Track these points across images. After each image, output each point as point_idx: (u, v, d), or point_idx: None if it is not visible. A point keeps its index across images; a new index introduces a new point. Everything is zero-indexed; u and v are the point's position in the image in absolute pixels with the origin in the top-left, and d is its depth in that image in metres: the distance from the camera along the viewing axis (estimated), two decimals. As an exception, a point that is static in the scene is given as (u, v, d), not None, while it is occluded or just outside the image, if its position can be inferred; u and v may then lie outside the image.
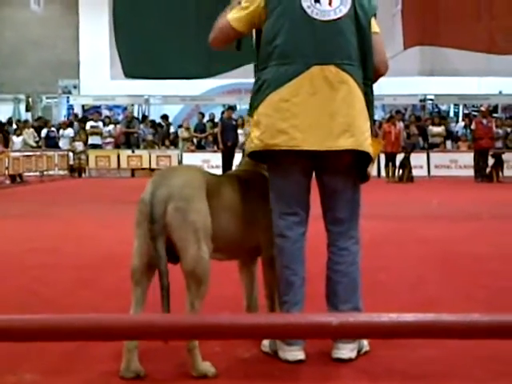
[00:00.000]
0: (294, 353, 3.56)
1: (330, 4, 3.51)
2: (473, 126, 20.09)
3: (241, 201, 3.67)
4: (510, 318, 1.24)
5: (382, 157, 19.39)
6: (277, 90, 3.51)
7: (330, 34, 3.51)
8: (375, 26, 3.65)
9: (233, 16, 3.64)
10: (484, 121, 19.68)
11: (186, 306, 3.37)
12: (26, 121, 25.17)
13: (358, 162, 3.60)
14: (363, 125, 3.53)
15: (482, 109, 21.10)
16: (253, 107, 3.65)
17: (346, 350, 3.58)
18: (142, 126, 24.65)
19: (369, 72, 3.59)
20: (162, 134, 24.55)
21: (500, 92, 25.68)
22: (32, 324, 1.37)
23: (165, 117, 25.11)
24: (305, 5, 3.51)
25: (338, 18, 3.51)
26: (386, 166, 19.67)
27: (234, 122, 20.39)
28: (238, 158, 20.20)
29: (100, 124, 24.01)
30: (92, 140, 23.44)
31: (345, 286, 3.64)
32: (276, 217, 3.67)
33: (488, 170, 19.29)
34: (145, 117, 25.84)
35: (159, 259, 3.30)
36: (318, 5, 3.51)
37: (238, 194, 3.68)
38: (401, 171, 19.44)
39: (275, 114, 3.51)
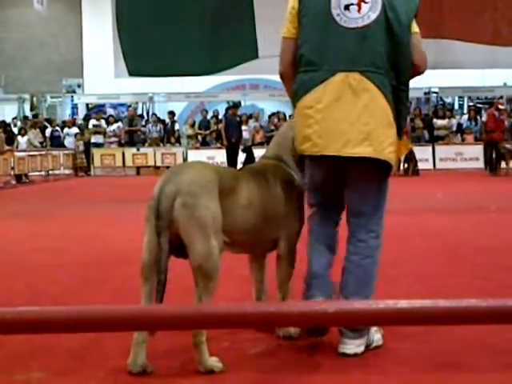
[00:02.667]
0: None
1: (358, 11, 3.53)
2: (484, 118, 19.60)
3: (259, 195, 3.71)
4: (508, 303, 1.25)
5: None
6: (303, 97, 3.60)
7: (356, 42, 3.53)
8: (414, 26, 3.62)
9: (282, 33, 3.76)
10: (496, 113, 19.11)
11: (194, 301, 3.39)
12: (35, 121, 25.14)
13: (379, 165, 3.61)
14: (383, 134, 3.54)
15: (501, 101, 20.42)
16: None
17: (352, 346, 3.60)
18: (149, 124, 24.62)
19: (402, 76, 3.61)
20: (168, 131, 24.53)
21: (504, 84, 25.60)
22: (32, 316, 1.38)
23: (171, 113, 25.06)
24: (334, 12, 3.56)
25: (366, 25, 3.54)
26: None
27: (237, 119, 20.40)
28: (241, 154, 20.26)
29: (102, 122, 24.04)
30: (95, 139, 23.47)
31: (357, 277, 3.66)
32: (310, 208, 3.82)
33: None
34: (149, 114, 25.87)
35: (161, 254, 3.32)
36: (347, 12, 3.54)
37: (255, 188, 3.72)
38: (406, 165, 19.43)
39: (301, 121, 3.63)
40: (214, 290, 3.43)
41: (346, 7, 3.55)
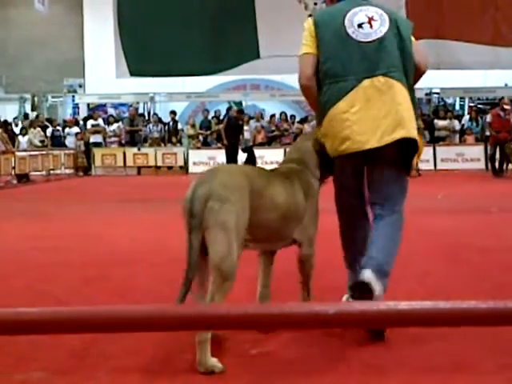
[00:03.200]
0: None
1: (371, 27, 4.12)
2: (489, 119, 18.96)
3: (285, 198, 3.98)
4: (508, 305, 1.24)
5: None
6: (335, 105, 4.05)
7: (375, 51, 4.08)
8: (412, 38, 4.23)
9: (301, 50, 4.23)
10: (502, 113, 18.46)
11: (207, 297, 3.52)
12: (31, 120, 25.14)
13: (405, 153, 4.11)
14: (411, 118, 4.07)
15: (506, 101, 19.32)
16: (319, 121, 4.21)
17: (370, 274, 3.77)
18: (150, 124, 24.61)
19: (409, 79, 4.14)
20: (169, 131, 24.49)
21: (506, 85, 25.58)
22: (32, 317, 1.38)
23: (173, 112, 25.01)
24: (350, 31, 4.12)
25: (380, 38, 4.10)
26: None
27: (240, 122, 20.47)
28: (241, 154, 20.31)
29: (100, 122, 24.05)
30: (94, 138, 23.49)
31: (383, 238, 4.03)
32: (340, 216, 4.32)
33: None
34: (151, 114, 25.86)
35: (191, 251, 3.46)
36: (361, 29, 4.12)
37: (283, 191, 3.99)
38: None
39: (337, 125, 4.04)
40: (228, 290, 3.56)
41: (359, 25, 4.12)
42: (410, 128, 4.02)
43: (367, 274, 3.73)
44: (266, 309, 1.30)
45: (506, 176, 17.96)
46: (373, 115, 4.00)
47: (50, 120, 25.70)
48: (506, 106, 18.53)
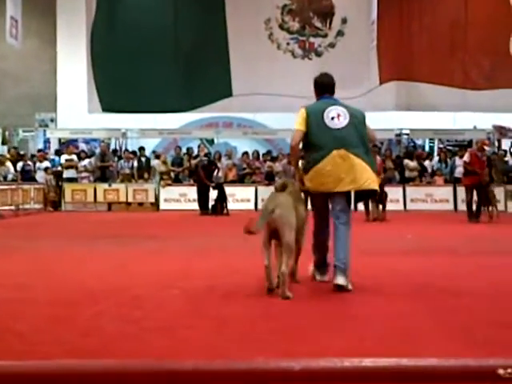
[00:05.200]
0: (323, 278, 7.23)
1: (338, 120, 6.93)
2: (466, 158, 17.46)
3: (299, 209, 6.88)
4: (468, 363, 1.26)
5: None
6: (317, 164, 6.88)
7: (341, 134, 6.86)
8: (367, 122, 7.13)
9: (295, 127, 7.06)
10: (479, 154, 17.35)
11: (283, 263, 6.33)
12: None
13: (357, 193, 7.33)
14: (361, 177, 6.88)
15: (486, 142, 18.48)
16: (307, 170, 7.04)
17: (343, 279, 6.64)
18: (121, 160, 24.56)
19: (366, 147, 7.04)
20: (140, 168, 24.37)
21: (474, 127, 25.97)
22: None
23: (143, 148, 24.95)
24: (326, 121, 6.92)
25: (343, 127, 6.90)
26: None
27: (213, 167, 20.86)
28: (212, 190, 20.40)
29: (74, 157, 23.96)
30: (67, 173, 23.38)
31: (341, 245, 6.84)
32: (316, 221, 7.33)
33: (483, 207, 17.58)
34: (122, 150, 25.79)
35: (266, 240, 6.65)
36: (332, 121, 6.92)
37: (298, 205, 6.87)
38: (381, 207, 18.63)
39: (319, 176, 6.90)
40: (294, 257, 6.82)
41: (332, 118, 6.93)
42: (360, 182, 6.87)
43: (341, 281, 6.61)
44: (233, 365, 1.29)
45: (482, 220, 17.25)
46: (338, 173, 6.81)
47: (20, 154, 25.47)
48: (486, 148, 17.91)
